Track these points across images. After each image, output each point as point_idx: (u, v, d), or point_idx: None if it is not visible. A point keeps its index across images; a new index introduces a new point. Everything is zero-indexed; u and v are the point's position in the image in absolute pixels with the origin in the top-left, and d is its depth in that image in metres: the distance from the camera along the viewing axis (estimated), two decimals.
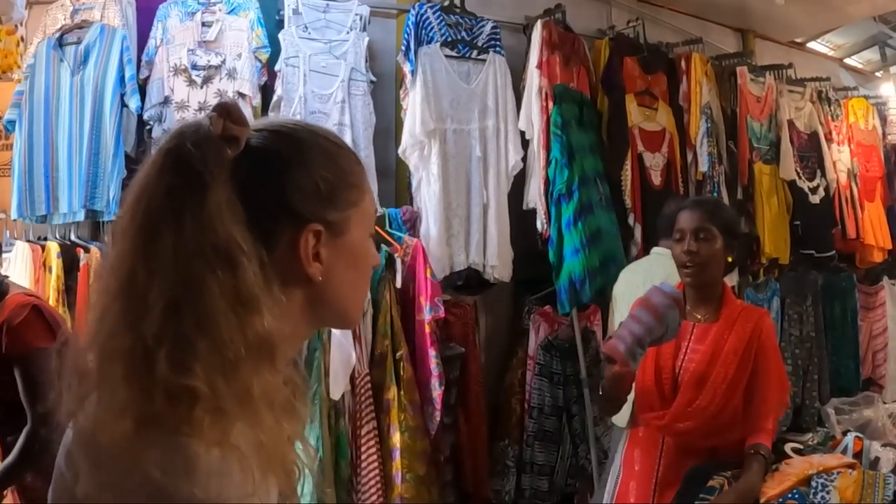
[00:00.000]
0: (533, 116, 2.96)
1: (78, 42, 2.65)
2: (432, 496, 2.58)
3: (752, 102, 3.79)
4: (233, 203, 0.64)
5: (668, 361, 1.81)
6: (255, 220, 0.66)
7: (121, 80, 2.60)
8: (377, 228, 2.71)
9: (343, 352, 2.47)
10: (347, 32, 2.81)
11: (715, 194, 3.46)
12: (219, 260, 0.63)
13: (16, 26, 2.86)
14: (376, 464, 2.53)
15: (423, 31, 2.90)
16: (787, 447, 2.03)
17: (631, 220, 3.16)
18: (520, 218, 2.99)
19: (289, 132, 0.73)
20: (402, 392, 2.57)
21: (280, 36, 2.73)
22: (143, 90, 2.63)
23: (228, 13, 2.73)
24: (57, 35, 2.65)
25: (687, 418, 1.74)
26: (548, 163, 2.92)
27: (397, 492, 2.51)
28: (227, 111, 0.67)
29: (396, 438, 2.55)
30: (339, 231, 0.72)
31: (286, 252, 0.68)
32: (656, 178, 3.28)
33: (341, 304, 0.75)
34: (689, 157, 3.45)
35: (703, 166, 3.43)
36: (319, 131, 0.76)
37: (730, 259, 1.83)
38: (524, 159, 2.98)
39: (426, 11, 2.92)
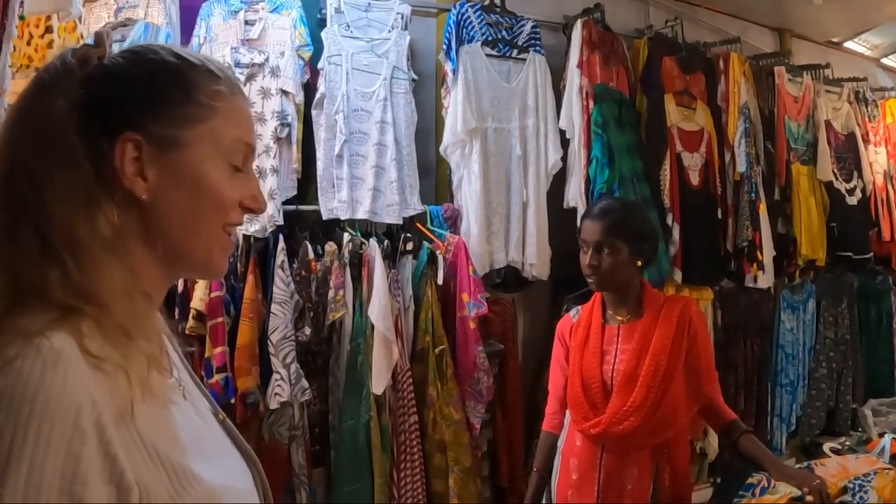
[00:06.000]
0: (573, 116, 2.96)
1: (122, 40, 2.65)
2: (478, 487, 2.64)
3: (790, 102, 3.76)
4: (66, 111, 0.66)
5: (594, 369, 1.79)
6: (87, 129, 0.66)
7: None
8: (419, 225, 2.73)
9: (386, 347, 2.50)
10: (389, 31, 2.82)
11: (752, 195, 3.43)
12: (39, 162, 0.65)
13: (75, 24, 2.90)
14: (418, 457, 2.56)
15: (464, 31, 2.91)
16: (826, 447, 2.00)
17: (669, 220, 3.14)
18: (558, 216, 2.99)
19: (141, 51, 0.72)
20: (444, 387, 2.59)
21: (322, 34, 2.74)
22: None
23: (271, 12, 2.74)
24: None
25: (623, 420, 1.72)
26: (588, 162, 2.92)
27: (448, 484, 2.55)
28: (96, 37, 0.70)
29: (442, 433, 2.57)
30: (169, 146, 0.69)
31: (112, 165, 0.67)
32: (694, 178, 3.27)
33: (179, 237, 0.71)
34: (727, 157, 3.43)
35: (741, 166, 3.41)
36: (181, 51, 0.74)
37: (639, 263, 1.81)
38: (564, 158, 2.99)
39: (467, 11, 2.93)
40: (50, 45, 2.92)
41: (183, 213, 0.70)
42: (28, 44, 2.90)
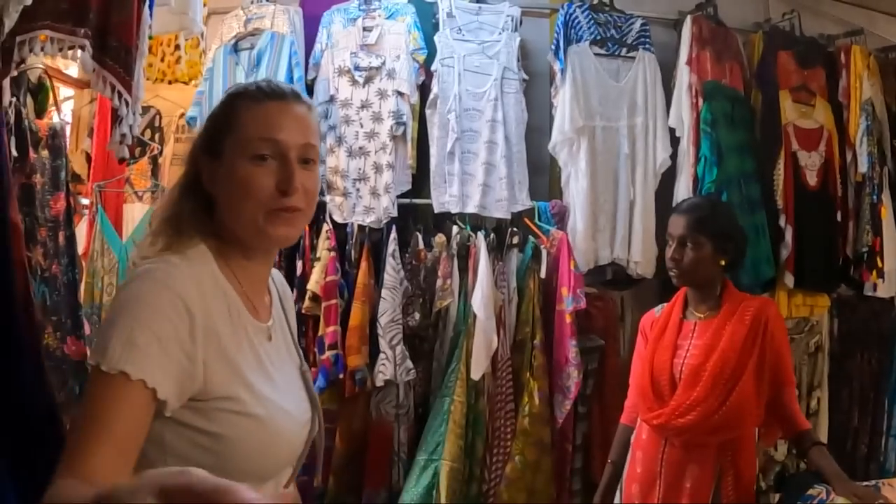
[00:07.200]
0: (683, 114, 2.94)
1: (251, 48, 2.88)
2: (536, 482, 2.64)
3: None
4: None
5: (665, 362, 1.81)
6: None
7: (290, 81, 2.80)
8: (527, 221, 2.81)
9: (486, 336, 2.61)
10: (499, 33, 2.93)
11: (874, 197, 3.24)
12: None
13: (199, 41, 3.22)
14: (510, 443, 2.64)
15: (573, 31, 2.96)
16: None
17: (782, 222, 3.03)
18: (667, 216, 2.96)
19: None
20: (532, 379, 2.67)
21: (435, 38, 2.88)
22: (310, 90, 2.85)
23: (387, 18, 2.90)
24: (232, 42, 2.90)
25: (685, 414, 1.72)
26: (697, 160, 2.89)
27: (504, 472, 2.61)
28: None
29: (518, 421, 2.65)
30: (215, 154, 0.95)
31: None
32: (812, 179, 3.13)
33: (229, 218, 0.95)
34: (849, 156, 3.26)
35: (863, 167, 3.23)
36: (237, 88, 1.01)
37: (723, 262, 1.81)
38: (673, 157, 2.97)
39: (575, 11, 2.98)
40: (178, 60, 3.29)
41: (227, 202, 0.95)
42: (162, 60, 3.28)
